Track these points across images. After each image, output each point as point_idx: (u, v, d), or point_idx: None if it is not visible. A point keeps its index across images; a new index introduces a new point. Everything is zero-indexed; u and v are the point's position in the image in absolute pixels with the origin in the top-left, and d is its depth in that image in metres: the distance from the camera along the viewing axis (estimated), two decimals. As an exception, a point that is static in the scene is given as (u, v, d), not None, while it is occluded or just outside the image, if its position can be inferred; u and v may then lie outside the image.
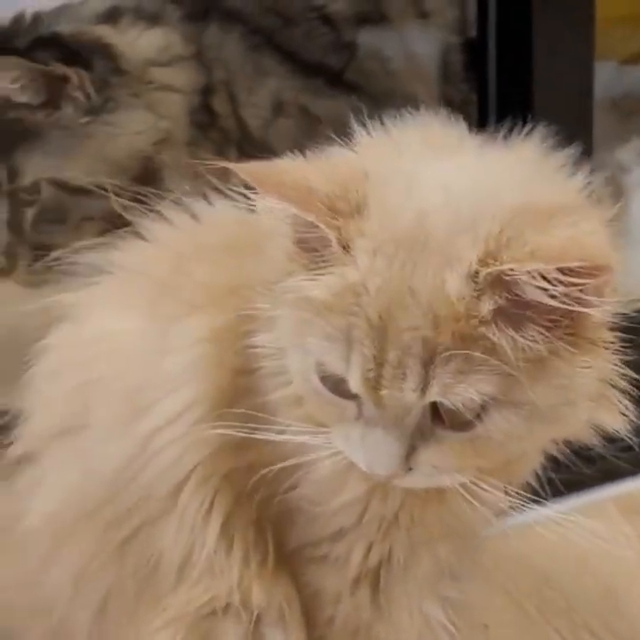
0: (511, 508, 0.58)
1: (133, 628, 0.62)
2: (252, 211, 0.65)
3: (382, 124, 0.58)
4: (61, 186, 0.97)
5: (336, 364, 0.50)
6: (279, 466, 0.57)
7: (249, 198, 0.62)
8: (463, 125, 0.59)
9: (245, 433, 0.55)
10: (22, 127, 0.96)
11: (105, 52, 0.98)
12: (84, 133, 0.97)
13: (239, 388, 0.59)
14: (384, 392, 0.49)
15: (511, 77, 0.98)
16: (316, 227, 0.50)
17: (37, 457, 0.65)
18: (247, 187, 0.54)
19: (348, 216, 0.50)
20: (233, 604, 0.60)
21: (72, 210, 0.97)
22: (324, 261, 0.51)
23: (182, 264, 0.63)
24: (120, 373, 0.61)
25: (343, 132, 0.58)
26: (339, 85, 1.12)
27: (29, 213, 0.98)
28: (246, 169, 0.52)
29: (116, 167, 0.97)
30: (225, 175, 0.61)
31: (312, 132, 1.07)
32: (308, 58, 1.10)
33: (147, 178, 0.98)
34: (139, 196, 0.97)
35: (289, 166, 0.54)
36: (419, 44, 1.17)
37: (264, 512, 0.61)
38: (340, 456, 0.55)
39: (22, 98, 0.95)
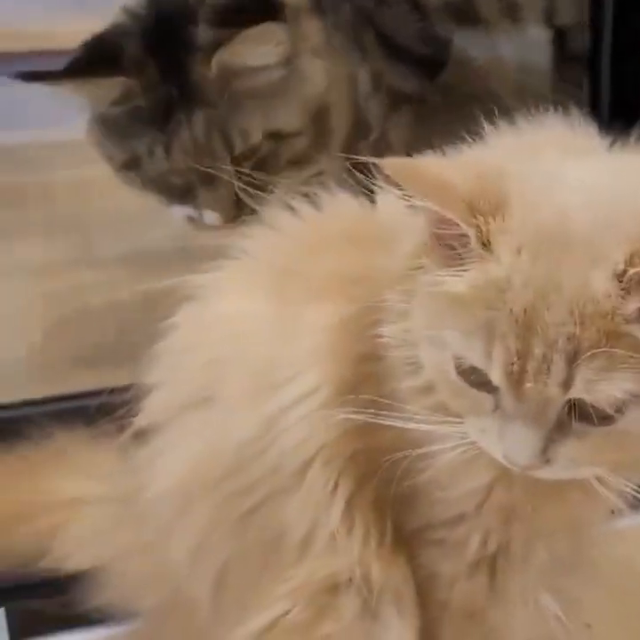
0: (631, 505, 0.59)
1: (255, 598, 0.64)
2: (372, 203, 0.67)
3: (510, 123, 0.59)
4: (275, 135, 1.04)
5: (476, 357, 0.51)
6: (404, 453, 0.58)
7: (372, 191, 0.64)
8: (592, 127, 0.60)
9: (373, 419, 0.57)
10: (252, 90, 1.02)
11: None
12: (286, 85, 1.04)
13: (364, 375, 0.60)
14: (527, 386, 0.50)
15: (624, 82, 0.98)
16: (455, 224, 0.51)
17: (161, 429, 0.67)
18: (387, 181, 0.56)
19: (487, 214, 0.51)
20: (353, 580, 0.62)
21: (281, 155, 1.05)
22: (461, 257, 0.52)
23: (306, 252, 0.65)
24: (247, 353, 0.63)
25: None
26: (424, 75, 1.15)
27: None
28: (389, 164, 0.54)
29: (304, 111, 1.05)
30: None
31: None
32: (400, 42, 1.14)
33: (321, 119, 1.07)
34: (261, 183, 1.01)
35: (429, 163, 0.55)
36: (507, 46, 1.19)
37: (385, 493, 0.62)
38: (469, 445, 0.56)
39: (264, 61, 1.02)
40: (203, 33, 1.01)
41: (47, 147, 2.13)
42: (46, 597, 0.81)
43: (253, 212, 0.94)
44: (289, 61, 1.03)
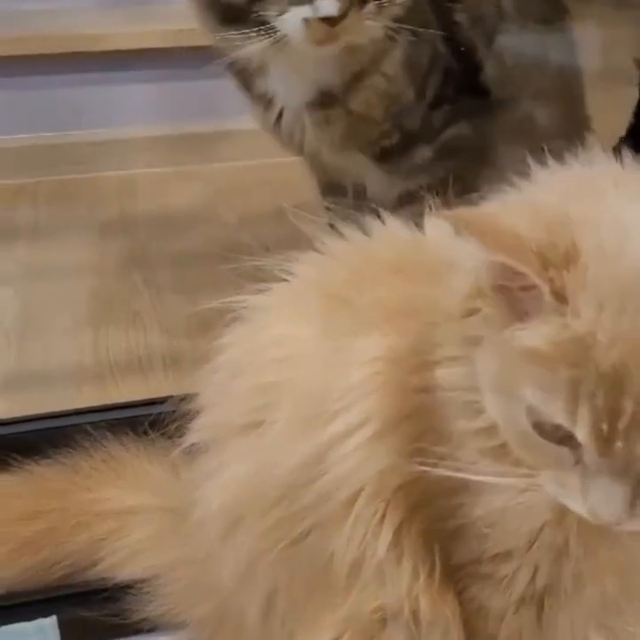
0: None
1: (303, 625, 0.64)
2: (421, 230, 0.67)
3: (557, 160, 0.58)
4: None
5: (558, 415, 0.50)
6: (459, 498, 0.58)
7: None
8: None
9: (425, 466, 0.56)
10: None
11: None
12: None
13: (416, 409, 0.60)
14: (617, 445, 0.49)
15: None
16: (526, 276, 0.50)
17: (214, 448, 0.67)
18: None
19: (560, 266, 0.50)
20: (402, 613, 0.61)
21: None
22: (531, 311, 0.51)
23: (356, 280, 0.64)
24: (297, 380, 0.63)
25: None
26: None
27: None
28: (456, 215, 0.53)
29: None
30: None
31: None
32: None
33: None
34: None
35: (499, 214, 0.54)
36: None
37: (433, 525, 0.61)
38: (531, 495, 0.55)
39: None
40: None
41: (99, 145, 2.15)
42: (98, 606, 0.81)
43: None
44: None
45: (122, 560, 0.80)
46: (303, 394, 0.62)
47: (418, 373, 0.59)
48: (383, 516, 0.61)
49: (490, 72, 1.17)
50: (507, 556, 0.60)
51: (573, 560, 0.59)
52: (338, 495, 0.61)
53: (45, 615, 0.83)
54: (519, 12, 1.18)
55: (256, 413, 0.64)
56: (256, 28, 1.05)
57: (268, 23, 1.04)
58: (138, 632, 0.81)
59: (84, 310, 1.49)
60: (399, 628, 0.62)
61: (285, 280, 0.67)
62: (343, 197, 1.26)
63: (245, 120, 2.26)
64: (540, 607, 0.61)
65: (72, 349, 1.36)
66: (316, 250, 0.68)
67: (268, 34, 1.05)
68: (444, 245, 0.62)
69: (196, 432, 0.68)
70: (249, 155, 2.11)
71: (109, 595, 0.80)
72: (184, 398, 0.69)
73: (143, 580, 0.79)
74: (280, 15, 1.03)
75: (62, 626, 0.83)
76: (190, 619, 0.75)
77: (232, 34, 1.08)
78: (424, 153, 1.16)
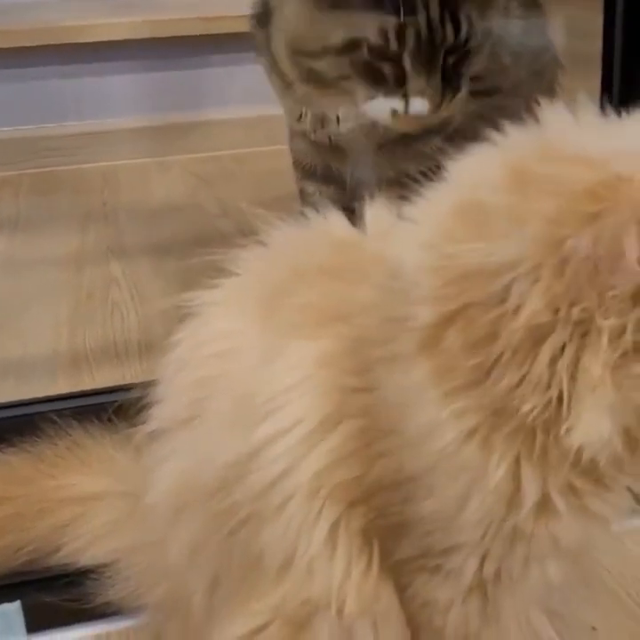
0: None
1: (239, 607, 0.65)
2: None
3: None
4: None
5: None
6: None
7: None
8: None
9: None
10: None
11: None
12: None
13: (359, 408, 0.60)
14: None
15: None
16: None
17: (164, 437, 0.68)
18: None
19: None
20: (330, 608, 0.62)
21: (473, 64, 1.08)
22: None
23: (293, 280, 0.65)
24: (234, 375, 0.64)
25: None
26: None
27: None
28: None
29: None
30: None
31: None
32: None
33: None
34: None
35: None
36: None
37: (374, 522, 0.62)
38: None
39: None
40: None
41: (82, 137, 2.16)
42: (61, 591, 0.83)
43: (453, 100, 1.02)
44: None
45: (84, 545, 0.81)
46: (237, 391, 0.63)
47: (356, 375, 0.59)
48: (318, 515, 0.61)
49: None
50: (458, 547, 0.60)
51: (521, 545, 0.59)
52: (270, 494, 0.61)
53: (10, 600, 0.85)
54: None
55: (194, 407, 0.66)
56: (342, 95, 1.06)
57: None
58: (101, 616, 0.83)
59: (63, 300, 1.51)
60: (326, 621, 0.62)
61: (235, 275, 0.68)
62: (326, 186, 1.27)
63: (226, 110, 2.27)
64: (485, 595, 0.61)
65: (50, 339, 1.38)
66: (263, 245, 0.68)
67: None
68: (381, 242, 0.63)
69: (151, 422, 0.69)
70: (230, 145, 2.12)
71: (72, 579, 0.81)
72: (147, 386, 0.70)
73: (105, 565, 0.80)
74: (368, 100, 1.04)
75: (26, 611, 0.84)
76: (149, 601, 0.76)
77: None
78: (436, 142, 1.16)
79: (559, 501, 0.56)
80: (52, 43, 2.11)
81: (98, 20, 2.13)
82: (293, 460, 0.60)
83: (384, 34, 0.99)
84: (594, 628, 0.84)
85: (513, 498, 0.56)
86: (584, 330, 0.51)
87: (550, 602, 0.63)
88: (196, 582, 0.67)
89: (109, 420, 0.88)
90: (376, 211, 0.67)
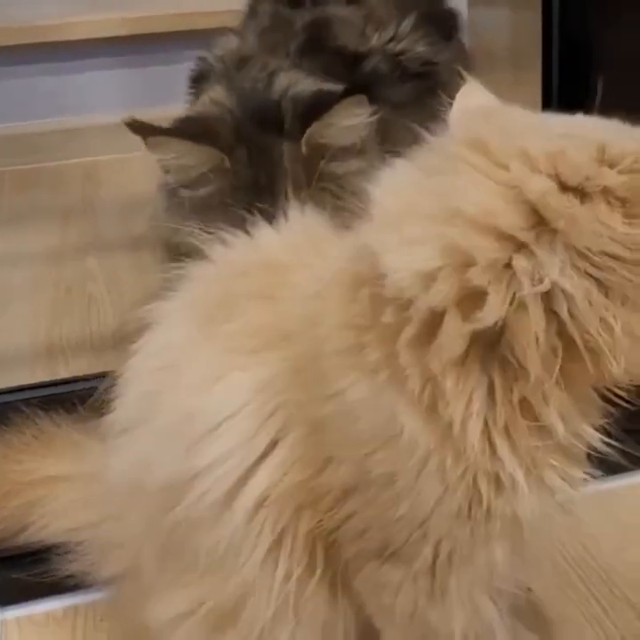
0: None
1: (167, 591, 0.70)
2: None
3: None
4: None
5: None
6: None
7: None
8: None
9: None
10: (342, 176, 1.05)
11: None
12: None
13: (298, 422, 0.64)
14: None
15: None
16: None
17: (121, 429, 0.73)
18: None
19: None
20: (267, 608, 0.66)
21: None
22: None
23: (230, 301, 0.68)
24: (175, 391, 0.68)
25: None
26: None
27: None
28: None
29: None
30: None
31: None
32: None
33: None
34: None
35: None
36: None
37: (322, 523, 0.65)
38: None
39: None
40: (289, 123, 1.04)
41: (60, 133, 2.21)
42: (28, 568, 0.88)
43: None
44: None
45: (50, 523, 0.87)
46: (178, 410, 0.67)
47: (304, 389, 0.63)
48: (261, 530, 0.65)
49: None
50: (419, 536, 0.62)
51: (476, 526, 0.61)
52: (206, 510, 0.65)
53: (-19, 577, 0.91)
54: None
55: (140, 417, 0.71)
56: None
57: None
58: (69, 590, 0.89)
59: (41, 294, 1.56)
60: (257, 619, 0.67)
61: (184, 290, 0.72)
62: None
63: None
64: (434, 575, 0.64)
65: (28, 332, 1.43)
66: (209, 261, 0.73)
67: None
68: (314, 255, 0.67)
69: (112, 414, 0.74)
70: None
71: (40, 556, 0.87)
72: (111, 378, 0.75)
73: (70, 541, 0.86)
74: None
75: (-5, 586, 0.90)
76: (109, 573, 0.82)
77: None
78: None
79: (519, 475, 0.58)
80: (31, 41, 2.15)
81: (76, 18, 2.18)
82: (234, 481, 0.65)
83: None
84: (529, 589, 0.90)
85: (476, 479, 0.59)
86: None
87: (493, 581, 0.66)
88: (148, 556, 0.73)
89: (75, 408, 0.94)
90: (305, 220, 0.72)
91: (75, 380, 0.98)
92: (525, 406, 0.57)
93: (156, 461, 0.68)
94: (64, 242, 1.77)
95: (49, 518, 0.88)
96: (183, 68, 2.47)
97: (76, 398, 0.91)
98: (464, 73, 0.67)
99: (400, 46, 1.21)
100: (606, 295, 0.55)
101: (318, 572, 0.66)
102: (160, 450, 0.68)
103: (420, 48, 1.23)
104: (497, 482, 0.59)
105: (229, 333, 0.67)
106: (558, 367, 0.56)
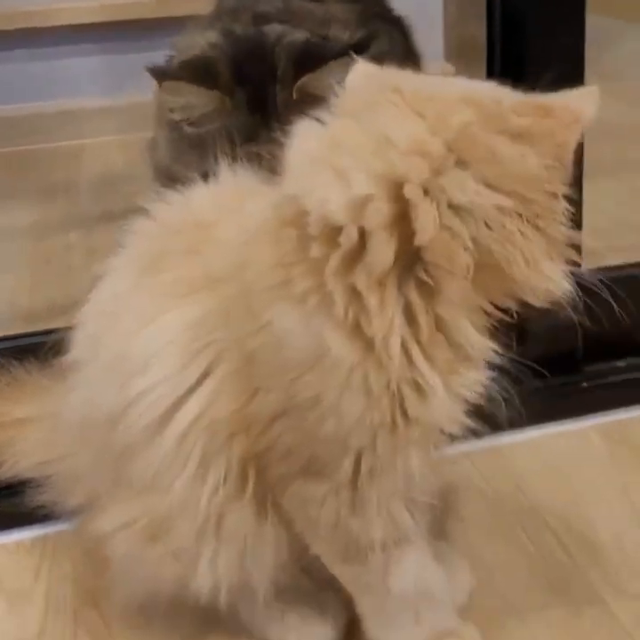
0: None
1: (108, 506, 0.79)
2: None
3: None
4: None
5: None
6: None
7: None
8: None
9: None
10: None
11: None
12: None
13: (226, 357, 0.71)
14: None
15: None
16: None
17: (74, 372, 0.81)
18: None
19: None
20: (196, 521, 0.74)
21: None
22: None
23: (166, 255, 0.76)
24: (114, 334, 0.76)
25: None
26: None
27: None
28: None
29: None
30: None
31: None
32: None
33: None
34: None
35: None
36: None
37: (253, 447, 0.72)
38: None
39: None
40: (282, 69, 1.12)
41: (46, 117, 2.28)
42: (1, 500, 0.96)
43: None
44: None
45: (20, 460, 0.95)
46: (115, 349, 0.75)
47: (232, 326, 0.70)
48: (191, 450, 0.72)
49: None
50: (341, 452, 0.68)
51: (394, 435, 0.67)
52: (140, 435, 0.73)
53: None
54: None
55: (84, 358, 0.79)
56: None
57: None
58: (36, 521, 0.97)
59: (24, 265, 1.65)
60: (189, 531, 0.74)
61: (131, 241, 0.80)
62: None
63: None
64: (355, 488, 0.70)
65: (10, 297, 1.53)
66: (150, 218, 0.80)
67: None
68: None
69: (67, 358, 0.83)
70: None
71: (10, 491, 0.95)
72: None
73: (39, 476, 0.93)
74: None
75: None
76: (74, 505, 0.90)
77: None
78: None
79: (437, 382, 0.66)
80: (16, 27, 2.22)
81: (61, 5, 2.25)
82: (164, 409, 0.72)
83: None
84: (462, 519, 0.98)
85: (400, 388, 0.66)
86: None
87: (408, 491, 0.72)
88: (99, 482, 0.81)
89: (45, 357, 1.01)
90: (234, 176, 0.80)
91: (47, 332, 1.05)
92: (439, 321, 0.65)
93: (98, 397, 0.76)
94: (47, 218, 1.85)
95: (20, 456, 0.95)
96: (163, 55, 2.54)
97: (48, 349, 0.97)
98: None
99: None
100: (511, 216, 0.63)
101: (248, 492, 0.73)
102: (101, 387, 0.76)
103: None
104: (418, 388, 0.66)
105: (162, 283, 0.75)
106: (469, 285, 0.64)
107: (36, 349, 1.01)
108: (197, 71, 1.13)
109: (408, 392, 0.66)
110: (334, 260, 0.64)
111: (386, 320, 0.64)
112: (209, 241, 0.75)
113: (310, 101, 1.07)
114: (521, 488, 1.03)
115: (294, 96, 1.11)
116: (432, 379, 0.66)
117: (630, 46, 2.77)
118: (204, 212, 0.78)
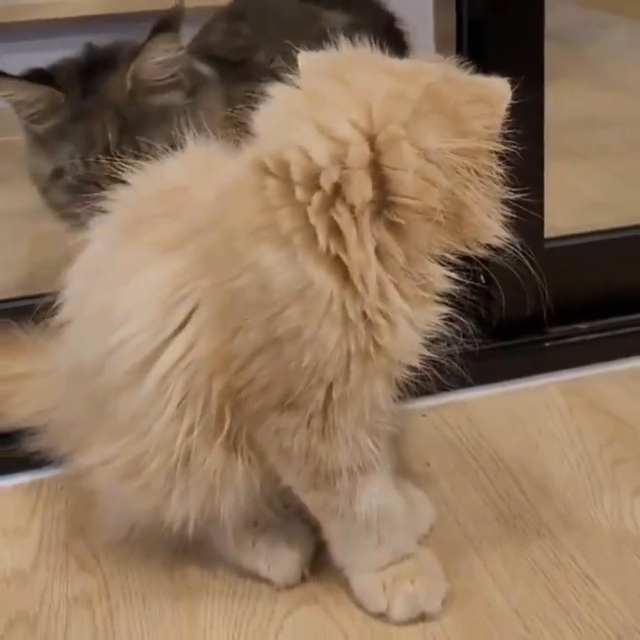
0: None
1: (93, 443, 0.87)
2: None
3: None
4: None
5: None
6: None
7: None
8: None
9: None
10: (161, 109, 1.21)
11: None
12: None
13: (207, 302, 0.78)
14: None
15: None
16: None
17: (62, 329, 0.89)
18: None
19: None
20: (171, 458, 0.81)
21: None
22: None
23: (142, 219, 0.83)
24: (97, 290, 0.84)
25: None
26: None
27: None
28: None
29: None
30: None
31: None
32: None
33: None
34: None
35: None
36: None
37: (231, 385, 0.78)
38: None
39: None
40: (120, 64, 1.19)
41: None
42: (0, 447, 1.04)
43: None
44: (193, 91, 1.22)
45: (18, 410, 1.02)
46: (99, 303, 0.83)
47: (213, 274, 0.77)
48: (171, 393, 0.79)
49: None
50: (314, 384, 0.75)
51: (363, 364, 0.74)
52: (127, 377, 0.81)
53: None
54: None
55: (71, 314, 0.87)
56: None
57: None
58: (32, 466, 1.05)
59: (25, 244, 1.74)
60: (159, 469, 0.82)
61: (112, 207, 0.87)
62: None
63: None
64: (325, 417, 0.77)
65: (11, 267, 1.63)
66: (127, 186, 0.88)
67: None
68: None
69: (57, 316, 0.91)
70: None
71: (8, 438, 1.02)
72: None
73: (34, 425, 1.01)
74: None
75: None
76: (66, 450, 0.97)
77: None
78: None
79: (407, 310, 0.74)
80: (16, 20, 2.29)
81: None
82: (146, 354, 0.80)
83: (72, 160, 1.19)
84: (428, 464, 1.06)
85: (373, 316, 0.73)
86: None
87: (373, 422, 0.79)
88: (86, 425, 0.89)
89: (41, 317, 1.09)
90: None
91: (41, 295, 1.12)
92: (408, 258, 0.74)
93: (84, 348, 0.84)
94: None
95: (17, 406, 1.03)
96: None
97: (42, 309, 1.05)
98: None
99: None
100: (467, 167, 0.73)
101: (225, 429, 0.80)
102: (87, 338, 0.84)
103: None
104: (388, 319, 0.74)
105: (143, 243, 0.82)
106: (434, 227, 0.73)
107: (32, 311, 1.09)
108: (34, 72, 1.21)
109: (380, 321, 0.74)
110: (316, 200, 0.72)
111: (363, 254, 0.72)
112: (186, 203, 0.82)
113: (144, 86, 1.17)
114: (484, 436, 1.10)
115: (128, 85, 1.18)
116: (402, 310, 0.74)
117: (615, 38, 2.85)
118: (178, 178, 0.86)
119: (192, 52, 1.30)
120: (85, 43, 1.27)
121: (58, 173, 1.21)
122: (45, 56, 2.34)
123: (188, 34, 1.50)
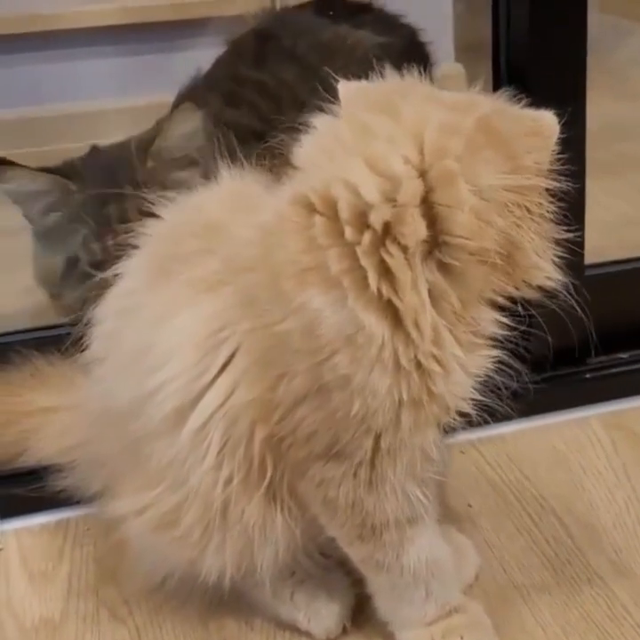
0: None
1: (123, 485, 0.84)
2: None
3: None
4: None
5: None
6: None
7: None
8: None
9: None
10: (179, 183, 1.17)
11: None
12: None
13: (247, 347, 0.74)
14: None
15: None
16: None
17: (94, 366, 0.86)
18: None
19: None
20: (209, 511, 0.77)
21: None
22: None
23: (179, 254, 0.79)
24: (132, 329, 0.80)
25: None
26: None
27: None
28: None
29: None
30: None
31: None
32: None
33: None
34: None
35: None
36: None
37: (273, 434, 0.74)
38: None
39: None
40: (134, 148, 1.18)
41: (62, 118, 2.32)
42: (27, 485, 1.00)
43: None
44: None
45: (44, 446, 0.99)
46: (134, 344, 0.79)
47: (253, 318, 0.73)
48: (210, 442, 0.75)
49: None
50: (362, 433, 0.71)
51: (414, 412, 0.70)
52: (160, 426, 0.77)
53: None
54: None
55: (107, 350, 0.83)
56: None
57: None
58: (59, 504, 1.01)
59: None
60: (198, 521, 0.78)
61: (145, 242, 0.83)
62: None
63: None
64: (373, 467, 0.73)
65: (31, 292, 1.57)
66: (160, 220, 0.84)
67: None
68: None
69: (88, 352, 0.87)
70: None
71: (35, 475, 0.99)
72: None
73: (62, 462, 0.98)
74: None
75: (-1, 502, 1.02)
76: (95, 490, 0.94)
77: None
78: None
79: (459, 358, 0.70)
80: (35, 30, 2.26)
81: (74, 8, 2.29)
82: (184, 399, 0.76)
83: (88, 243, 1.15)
84: (469, 505, 1.02)
85: (427, 363, 0.69)
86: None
87: (422, 471, 0.75)
88: (120, 469, 0.85)
89: (66, 349, 1.06)
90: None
91: (66, 324, 1.09)
92: (460, 302, 0.70)
93: (118, 389, 0.80)
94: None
95: (44, 442, 0.99)
96: (180, 57, 2.58)
97: (67, 340, 1.02)
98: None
99: None
100: (520, 205, 0.69)
101: (267, 480, 0.76)
102: (121, 379, 0.80)
103: None
104: (442, 365, 0.70)
105: (181, 281, 0.78)
106: (488, 270, 0.69)
107: (57, 342, 1.05)
108: (39, 168, 1.16)
109: (435, 368, 0.70)
110: (366, 240, 0.68)
111: (417, 298, 0.69)
112: (223, 239, 0.78)
113: (167, 166, 1.15)
114: (526, 474, 1.06)
115: (149, 164, 1.16)
116: (456, 356, 0.71)
117: (637, 45, 2.80)
118: (213, 211, 0.82)
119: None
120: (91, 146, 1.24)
121: (71, 263, 1.17)
122: (66, 66, 2.34)
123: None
